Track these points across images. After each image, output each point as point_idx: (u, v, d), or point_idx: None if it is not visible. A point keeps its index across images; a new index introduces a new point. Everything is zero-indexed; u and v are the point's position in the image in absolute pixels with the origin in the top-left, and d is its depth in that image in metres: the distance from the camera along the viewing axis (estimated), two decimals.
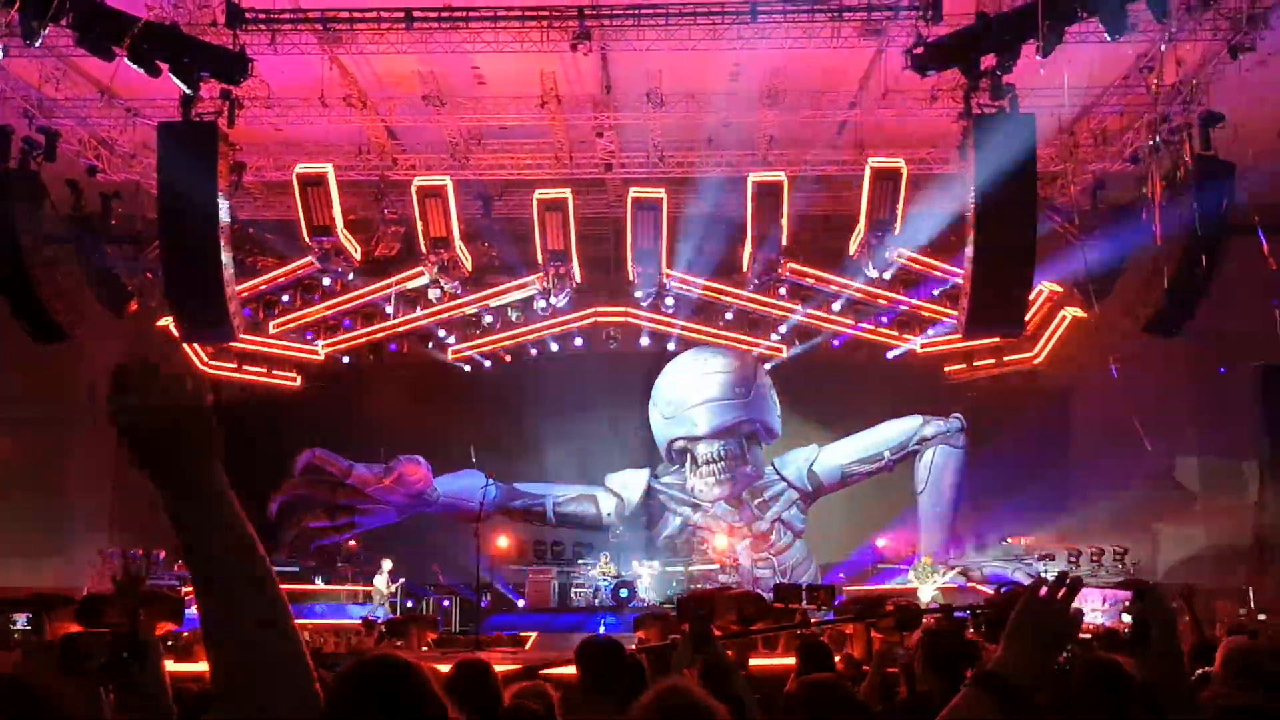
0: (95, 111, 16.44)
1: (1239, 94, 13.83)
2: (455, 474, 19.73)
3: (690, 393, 20.52)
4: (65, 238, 16.85)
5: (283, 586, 1.69)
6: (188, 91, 13.94)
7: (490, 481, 17.08)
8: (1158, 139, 15.07)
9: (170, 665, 2.84)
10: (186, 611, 8.11)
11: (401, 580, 18.51)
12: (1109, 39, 12.75)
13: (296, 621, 1.69)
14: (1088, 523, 18.35)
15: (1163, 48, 13.90)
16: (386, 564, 18.40)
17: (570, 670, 4.51)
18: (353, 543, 20.17)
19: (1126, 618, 2.02)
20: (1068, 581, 1.94)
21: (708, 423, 20.36)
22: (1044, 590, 1.92)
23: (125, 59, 13.27)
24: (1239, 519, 17.69)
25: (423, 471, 19.75)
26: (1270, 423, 17.92)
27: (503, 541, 19.98)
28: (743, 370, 20.55)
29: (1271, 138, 14.83)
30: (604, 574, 18.88)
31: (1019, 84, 13.94)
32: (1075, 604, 1.91)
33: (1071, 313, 18.57)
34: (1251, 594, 15.68)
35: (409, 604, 18.73)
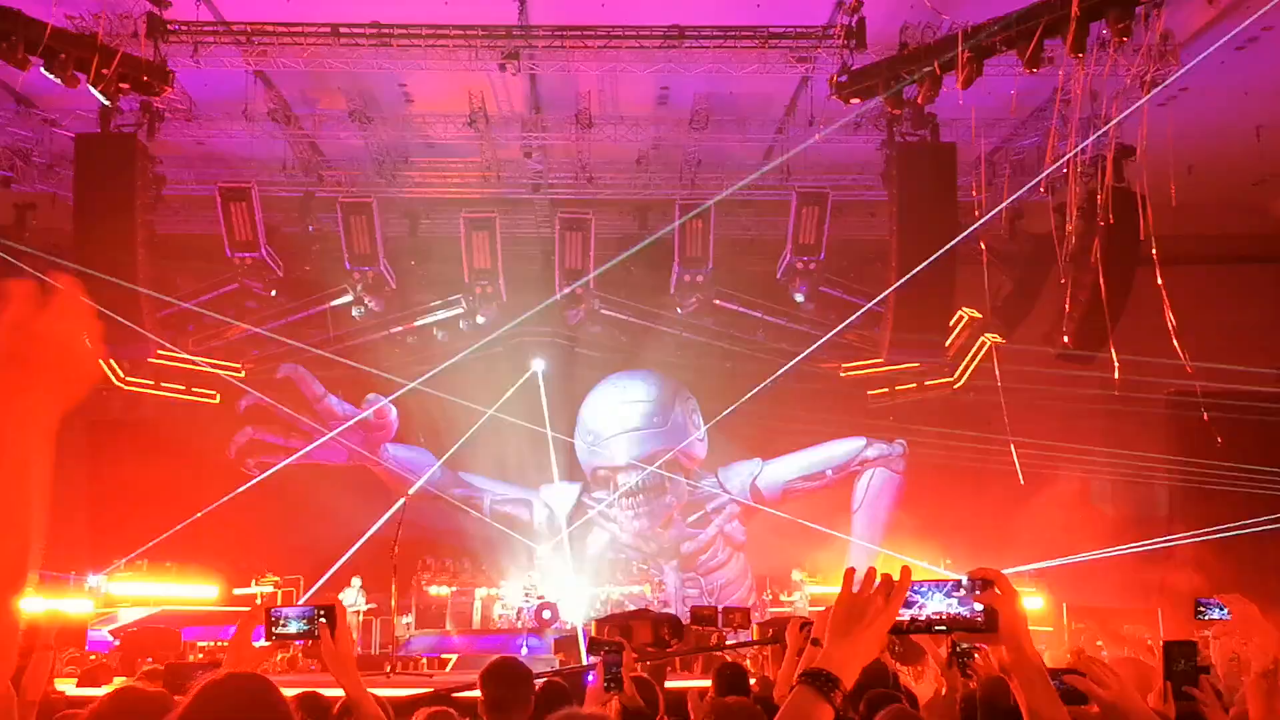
0: (11, 121, 16.05)
1: (1151, 128, 14.23)
2: (409, 446, 20.15)
3: (609, 423, 20.67)
4: None
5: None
6: (106, 103, 13.69)
7: (437, 463, 17.12)
8: (1071, 170, 15.48)
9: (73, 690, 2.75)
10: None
11: (373, 605, 16.80)
12: (1027, 72, 13.10)
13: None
14: (1009, 545, 18.61)
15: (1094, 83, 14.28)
16: (357, 580, 17.14)
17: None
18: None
19: (979, 606, 2.08)
20: (892, 576, 2.00)
21: (626, 453, 20.52)
22: (861, 586, 1.99)
23: (41, 69, 12.99)
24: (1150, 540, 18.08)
25: (390, 420, 20.12)
26: (1179, 447, 18.38)
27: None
28: (662, 398, 20.67)
29: (1180, 171, 15.25)
30: (527, 595, 18.72)
31: (940, 114, 14.25)
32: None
33: (990, 338, 18.90)
34: (1160, 616, 16.07)
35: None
